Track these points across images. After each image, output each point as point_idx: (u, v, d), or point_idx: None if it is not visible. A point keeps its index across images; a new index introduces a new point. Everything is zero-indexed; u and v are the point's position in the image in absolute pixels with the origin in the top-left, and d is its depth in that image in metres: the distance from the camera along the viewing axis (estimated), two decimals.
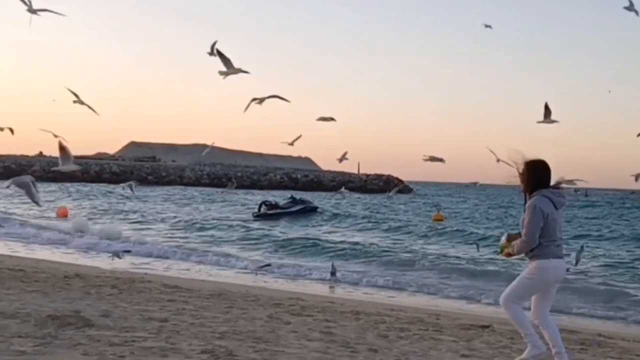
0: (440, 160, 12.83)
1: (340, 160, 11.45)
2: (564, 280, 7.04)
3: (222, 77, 9.05)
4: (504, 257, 6.60)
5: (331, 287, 15.07)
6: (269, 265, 17.29)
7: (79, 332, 6.42)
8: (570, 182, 10.77)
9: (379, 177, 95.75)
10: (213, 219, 34.41)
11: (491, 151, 10.52)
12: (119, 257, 15.31)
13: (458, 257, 20.37)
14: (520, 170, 6.18)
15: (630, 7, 10.44)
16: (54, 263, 14.84)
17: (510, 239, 6.26)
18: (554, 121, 9.95)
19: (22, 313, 7.22)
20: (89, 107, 8.50)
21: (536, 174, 6.07)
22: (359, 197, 66.42)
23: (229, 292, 11.03)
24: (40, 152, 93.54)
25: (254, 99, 9.15)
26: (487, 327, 8.83)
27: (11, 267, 12.19)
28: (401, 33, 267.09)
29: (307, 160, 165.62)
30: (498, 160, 9.91)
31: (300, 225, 32.96)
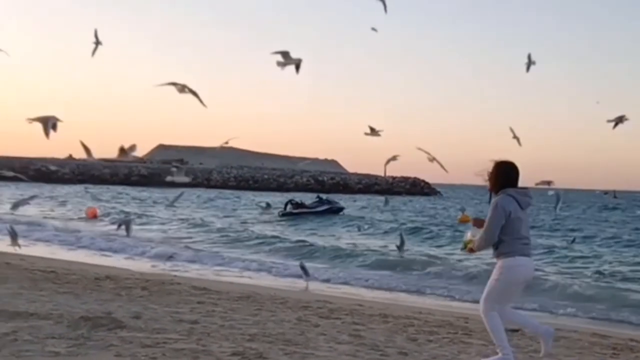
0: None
1: (388, 162, 11.16)
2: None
3: (280, 67, 9.04)
4: (467, 253, 6.67)
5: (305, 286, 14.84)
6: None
7: (111, 333, 6.50)
8: (547, 183, 10.70)
9: (405, 179, 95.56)
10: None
11: (424, 150, 10.38)
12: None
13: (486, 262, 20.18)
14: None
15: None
16: (84, 265, 15.00)
17: (476, 223, 6.40)
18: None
19: (55, 314, 7.33)
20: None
21: (503, 174, 6.18)
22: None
23: (257, 294, 11.07)
24: (70, 155, 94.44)
25: (174, 84, 8.68)
26: (517, 331, 8.75)
27: (43, 268, 12.36)
28: (430, 39, 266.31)
29: (333, 162, 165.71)
30: (432, 160, 10.01)
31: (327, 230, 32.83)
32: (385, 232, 31.16)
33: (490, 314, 6.16)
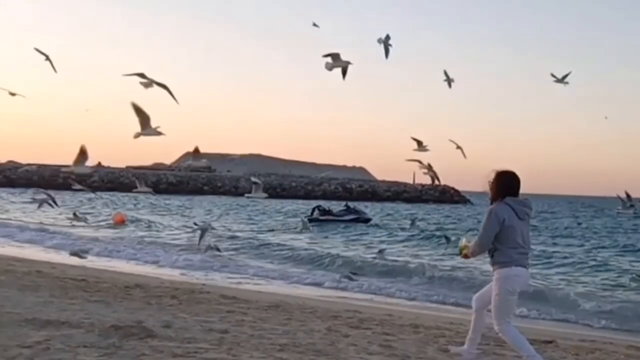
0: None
1: (421, 169, 10.99)
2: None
3: (328, 69, 9.01)
4: (462, 258, 6.81)
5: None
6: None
7: (142, 342, 6.50)
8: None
9: (434, 187, 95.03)
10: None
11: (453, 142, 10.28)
12: None
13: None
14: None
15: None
16: (115, 273, 15.09)
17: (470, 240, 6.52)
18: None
19: (86, 323, 7.35)
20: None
21: (504, 184, 6.28)
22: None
23: (287, 303, 11.03)
24: (99, 163, 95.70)
25: (141, 76, 8.36)
26: (551, 342, 8.64)
27: (74, 276, 12.44)
28: (454, 43, 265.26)
29: (362, 170, 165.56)
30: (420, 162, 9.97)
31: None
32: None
33: (505, 329, 6.22)
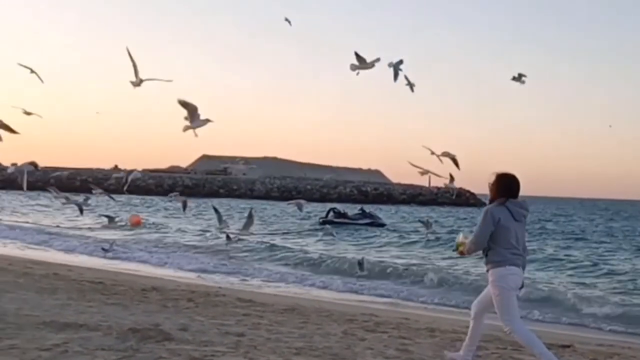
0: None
1: (450, 181, 10.84)
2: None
3: (354, 72, 8.96)
4: (459, 255, 6.87)
5: None
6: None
7: (159, 345, 6.53)
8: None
9: (450, 190, 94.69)
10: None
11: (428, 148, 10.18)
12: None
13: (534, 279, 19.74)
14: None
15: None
16: (131, 276, 15.17)
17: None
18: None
19: (104, 325, 7.39)
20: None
21: (503, 186, 6.37)
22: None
23: (302, 306, 11.05)
24: (116, 166, 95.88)
25: (136, 74, 8.27)
26: (568, 346, 8.59)
27: (91, 279, 12.53)
28: (473, 44, 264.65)
29: (377, 173, 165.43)
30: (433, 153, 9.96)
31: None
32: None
33: (515, 328, 6.22)
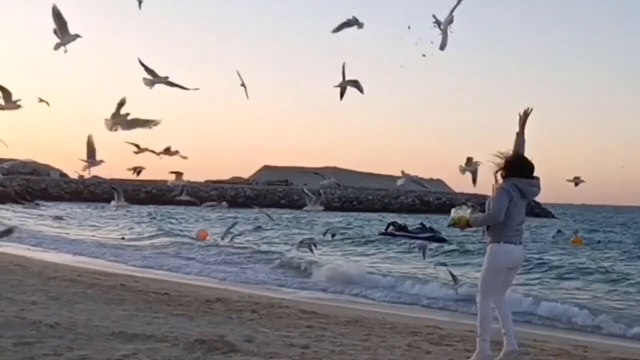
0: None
1: (576, 183, 10.52)
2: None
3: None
4: (459, 229, 7.07)
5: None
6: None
7: (225, 357, 6.60)
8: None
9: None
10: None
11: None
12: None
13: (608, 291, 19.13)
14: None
15: None
16: (195, 287, 15.36)
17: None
18: None
19: (171, 336, 7.49)
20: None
21: (515, 164, 6.69)
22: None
23: (365, 319, 10.99)
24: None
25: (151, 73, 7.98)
26: None
27: (156, 290, 12.73)
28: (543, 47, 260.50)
29: (439, 182, 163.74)
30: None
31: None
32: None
33: (483, 304, 6.70)
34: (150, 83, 8.04)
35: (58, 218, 43.28)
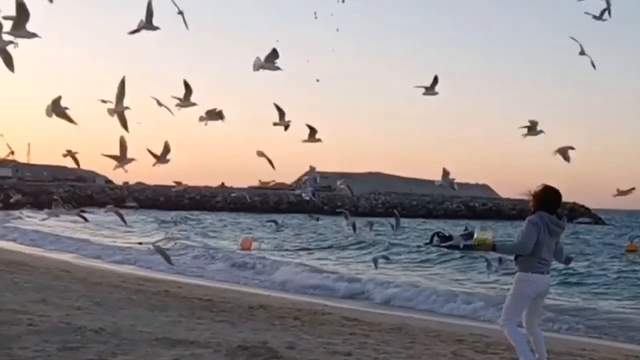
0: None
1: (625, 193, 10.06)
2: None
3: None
4: (484, 249, 7.14)
5: None
6: None
7: None
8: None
9: (562, 205, 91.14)
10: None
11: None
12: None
13: None
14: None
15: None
16: (238, 293, 15.40)
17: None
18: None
19: (213, 343, 7.50)
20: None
21: (544, 198, 6.96)
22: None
23: (409, 326, 10.88)
24: (222, 184, 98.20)
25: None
26: None
27: (200, 296, 12.80)
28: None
29: (485, 187, 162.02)
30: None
31: None
32: None
33: (508, 326, 6.76)
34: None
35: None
